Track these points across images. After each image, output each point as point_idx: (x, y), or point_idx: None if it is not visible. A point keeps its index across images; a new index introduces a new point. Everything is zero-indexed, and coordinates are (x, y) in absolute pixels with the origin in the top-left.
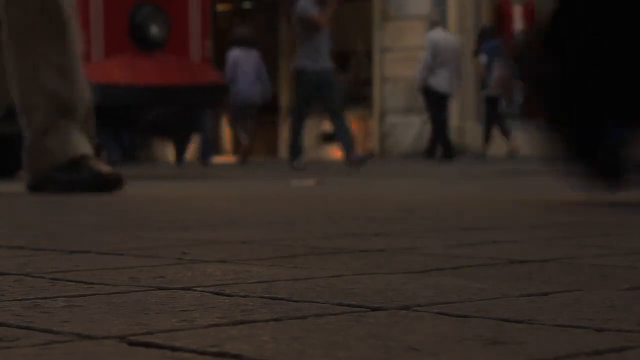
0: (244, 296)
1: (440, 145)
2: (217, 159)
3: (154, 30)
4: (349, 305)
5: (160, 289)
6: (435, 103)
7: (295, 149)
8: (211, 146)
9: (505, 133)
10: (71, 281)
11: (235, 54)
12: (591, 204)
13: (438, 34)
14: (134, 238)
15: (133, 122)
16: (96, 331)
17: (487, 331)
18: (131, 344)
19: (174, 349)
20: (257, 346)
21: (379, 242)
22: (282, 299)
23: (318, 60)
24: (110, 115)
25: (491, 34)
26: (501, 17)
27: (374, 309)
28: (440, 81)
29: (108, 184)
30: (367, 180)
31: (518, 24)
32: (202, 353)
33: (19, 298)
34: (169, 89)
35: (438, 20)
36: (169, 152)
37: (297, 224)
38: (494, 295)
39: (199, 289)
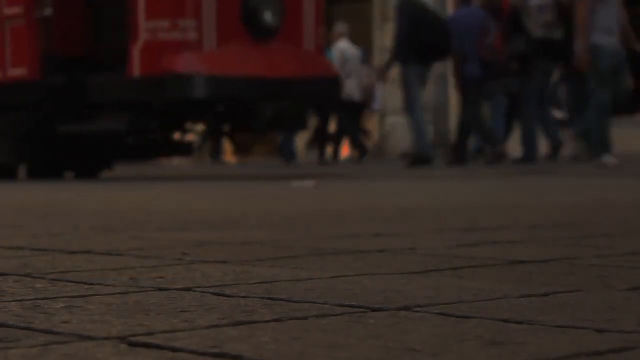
0: (244, 297)
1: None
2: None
3: (268, 16)
4: (349, 306)
5: (160, 289)
6: (348, 111)
7: (603, 144)
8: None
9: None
10: (71, 282)
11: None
12: (590, 204)
13: (344, 45)
14: (133, 238)
15: (247, 118)
16: (96, 332)
17: (487, 332)
18: (131, 344)
19: (174, 349)
20: (257, 347)
21: (379, 243)
22: (282, 299)
23: None
24: (223, 110)
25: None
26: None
27: (374, 310)
28: (351, 90)
29: None
30: (367, 180)
31: None
32: (202, 354)
33: (19, 298)
34: (285, 81)
35: (344, 31)
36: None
37: (297, 225)
38: (494, 296)
39: (199, 289)
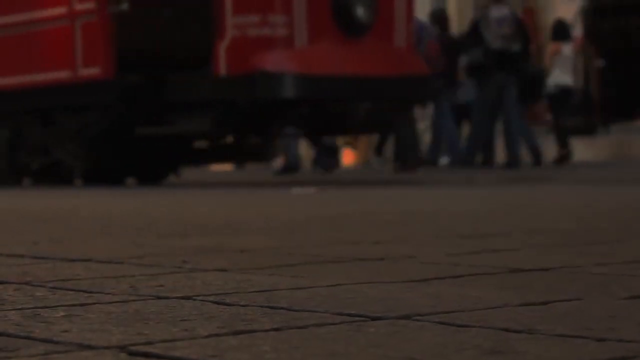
0: (244, 305)
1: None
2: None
3: (360, 11)
4: (349, 315)
5: (160, 298)
6: None
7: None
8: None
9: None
10: (71, 290)
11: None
12: (590, 210)
13: None
14: (133, 246)
15: (340, 119)
16: (96, 341)
17: (486, 341)
18: (131, 353)
19: (174, 358)
20: (257, 356)
21: (379, 251)
22: (282, 308)
23: None
24: (312, 111)
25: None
26: None
27: (374, 319)
28: None
29: None
30: (367, 187)
31: None
32: None
33: (19, 307)
34: (379, 80)
35: None
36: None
37: (297, 232)
38: (494, 305)
39: (199, 298)
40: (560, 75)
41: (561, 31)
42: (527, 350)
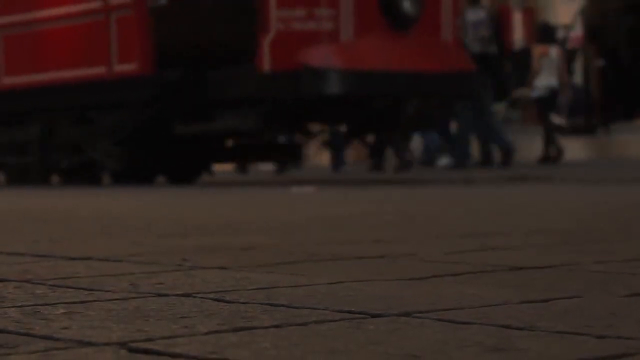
0: (244, 303)
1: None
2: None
3: (407, 4)
4: (349, 312)
5: (160, 295)
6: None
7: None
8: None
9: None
10: (71, 288)
11: None
12: (590, 210)
13: None
14: (133, 244)
15: (386, 117)
16: (96, 338)
17: (487, 338)
18: (131, 350)
19: (174, 355)
20: (257, 353)
21: (379, 249)
22: (282, 305)
23: None
24: (356, 107)
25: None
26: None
27: (374, 316)
28: None
29: None
30: (367, 186)
31: (518, 31)
32: None
33: (19, 305)
34: (428, 76)
35: None
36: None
37: (296, 231)
38: (494, 302)
39: (199, 295)
40: (548, 77)
41: (547, 34)
42: (528, 347)
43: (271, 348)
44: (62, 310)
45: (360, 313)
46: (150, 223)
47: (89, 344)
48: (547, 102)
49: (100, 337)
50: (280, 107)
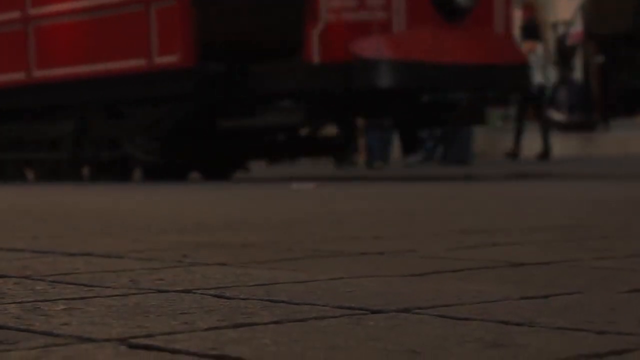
0: (244, 299)
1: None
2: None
3: None
4: (349, 308)
5: (160, 291)
6: None
7: None
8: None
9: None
10: (71, 284)
11: None
12: (590, 206)
13: None
14: (134, 241)
15: (439, 111)
16: (96, 334)
17: (487, 334)
18: (131, 346)
19: (174, 351)
20: (257, 349)
21: (379, 245)
22: (282, 301)
23: None
24: (406, 100)
25: None
26: None
27: (374, 312)
28: None
29: None
30: (366, 183)
31: (516, 28)
32: (203, 356)
33: (19, 301)
34: (482, 68)
35: None
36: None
37: (296, 227)
38: (494, 298)
39: (199, 291)
40: (537, 74)
41: (532, 31)
42: (528, 343)
43: (271, 344)
44: (62, 307)
45: (360, 309)
46: (150, 221)
47: (89, 340)
48: (540, 99)
49: (100, 333)
50: (328, 100)
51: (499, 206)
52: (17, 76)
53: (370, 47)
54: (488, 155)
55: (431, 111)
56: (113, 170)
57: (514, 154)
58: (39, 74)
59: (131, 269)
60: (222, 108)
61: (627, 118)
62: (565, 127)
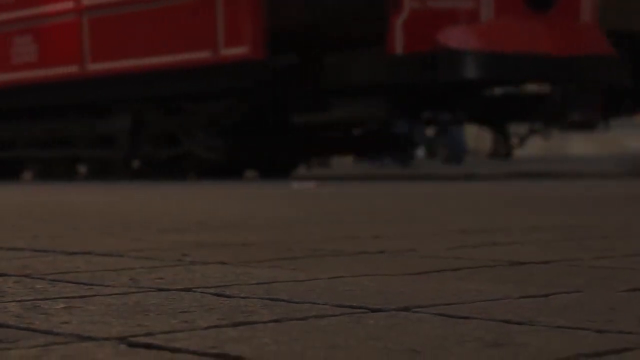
0: (244, 297)
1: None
2: None
3: None
4: (349, 307)
5: (160, 290)
6: None
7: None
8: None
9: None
10: (71, 282)
11: None
12: (590, 205)
13: None
14: (134, 240)
15: (530, 105)
16: (96, 332)
17: (487, 333)
18: (131, 345)
19: (174, 350)
20: (257, 348)
21: (379, 244)
22: (282, 300)
23: None
24: (499, 94)
25: None
26: None
27: (374, 311)
28: None
29: None
30: (366, 183)
31: None
32: (203, 354)
33: (19, 299)
34: (573, 60)
35: None
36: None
37: (296, 227)
38: (494, 297)
39: (199, 290)
40: None
41: None
42: (528, 342)
43: (271, 343)
44: (62, 305)
45: (360, 308)
46: (150, 219)
47: (89, 338)
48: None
49: (100, 332)
50: (414, 93)
51: (499, 205)
52: (70, 69)
53: (457, 37)
54: (480, 152)
55: (510, 105)
56: (169, 168)
57: (506, 154)
58: (94, 67)
59: (131, 267)
60: (293, 102)
61: (628, 117)
62: (564, 126)
